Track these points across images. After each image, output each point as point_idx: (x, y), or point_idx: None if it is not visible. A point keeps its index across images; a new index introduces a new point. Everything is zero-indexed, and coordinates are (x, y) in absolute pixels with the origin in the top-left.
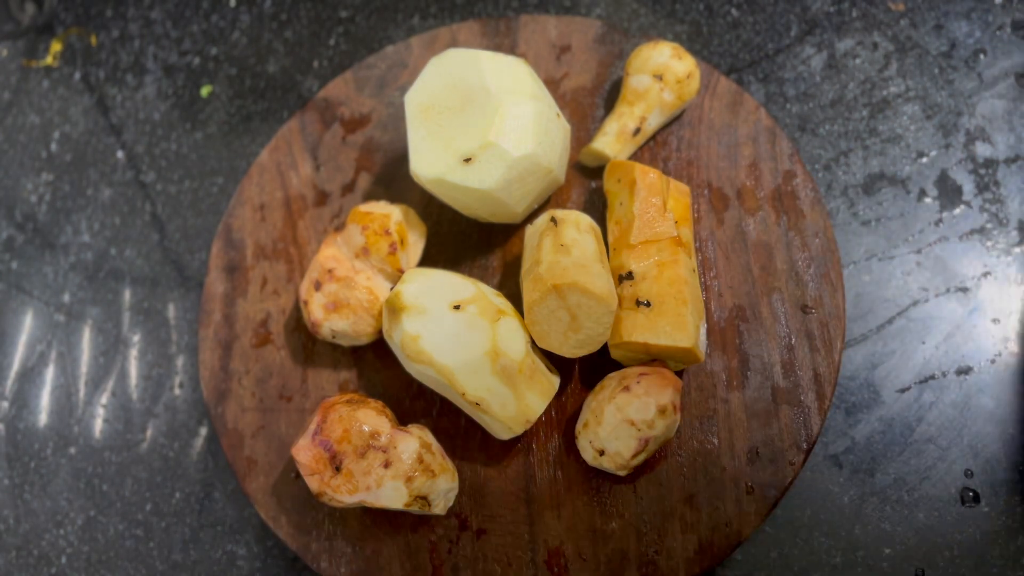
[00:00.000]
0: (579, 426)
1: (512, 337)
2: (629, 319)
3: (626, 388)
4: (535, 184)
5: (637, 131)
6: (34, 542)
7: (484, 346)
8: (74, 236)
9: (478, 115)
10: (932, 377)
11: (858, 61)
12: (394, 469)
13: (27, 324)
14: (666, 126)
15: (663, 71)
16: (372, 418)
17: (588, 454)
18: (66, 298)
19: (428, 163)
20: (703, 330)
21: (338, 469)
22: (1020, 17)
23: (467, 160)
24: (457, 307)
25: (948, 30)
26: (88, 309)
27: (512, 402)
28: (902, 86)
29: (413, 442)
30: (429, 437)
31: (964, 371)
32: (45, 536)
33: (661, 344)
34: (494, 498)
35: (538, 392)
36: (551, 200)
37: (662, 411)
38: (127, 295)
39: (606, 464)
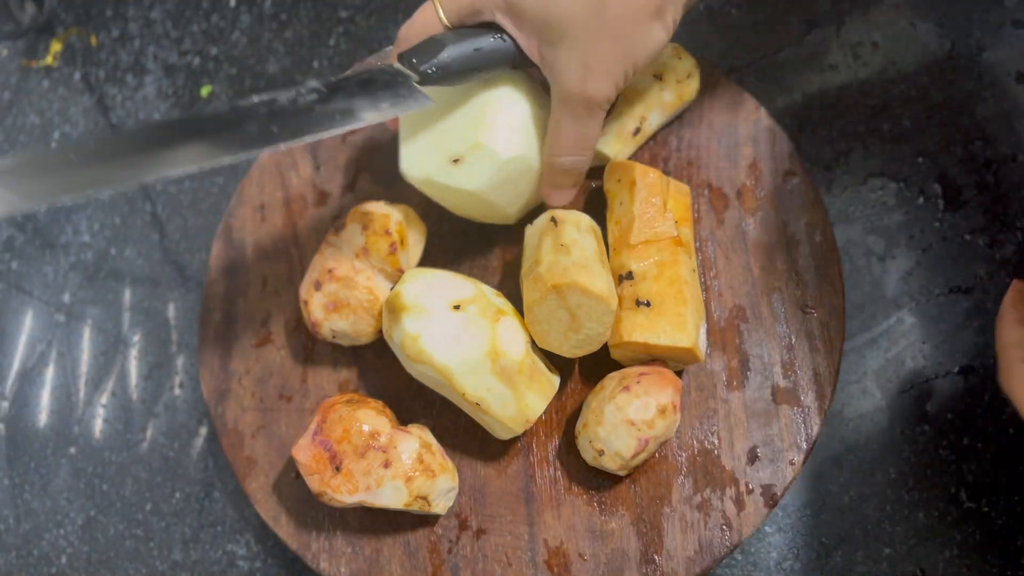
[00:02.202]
0: (579, 426)
1: (512, 337)
2: (629, 319)
3: (626, 388)
4: (527, 186)
5: (637, 131)
6: (34, 542)
7: (484, 346)
8: (74, 236)
9: (469, 116)
10: (932, 377)
11: (858, 61)
12: (394, 469)
13: (27, 324)
14: (666, 126)
15: (663, 71)
16: (372, 418)
17: (588, 454)
18: (66, 298)
19: (417, 163)
20: (703, 330)
21: (338, 469)
22: (1020, 17)
23: (456, 161)
24: (457, 307)
25: (948, 30)
26: (88, 309)
27: (512, 402)
28: (902, 86)
29: (413, 442)
30: (429, 437)
31: (964, 371)
32: (45, 536)
33: (661, 344)
34: (494, 498)
35: (538, 392)
36: None
37: (662, 411)
38: (127, 295)
39: (606, 464)
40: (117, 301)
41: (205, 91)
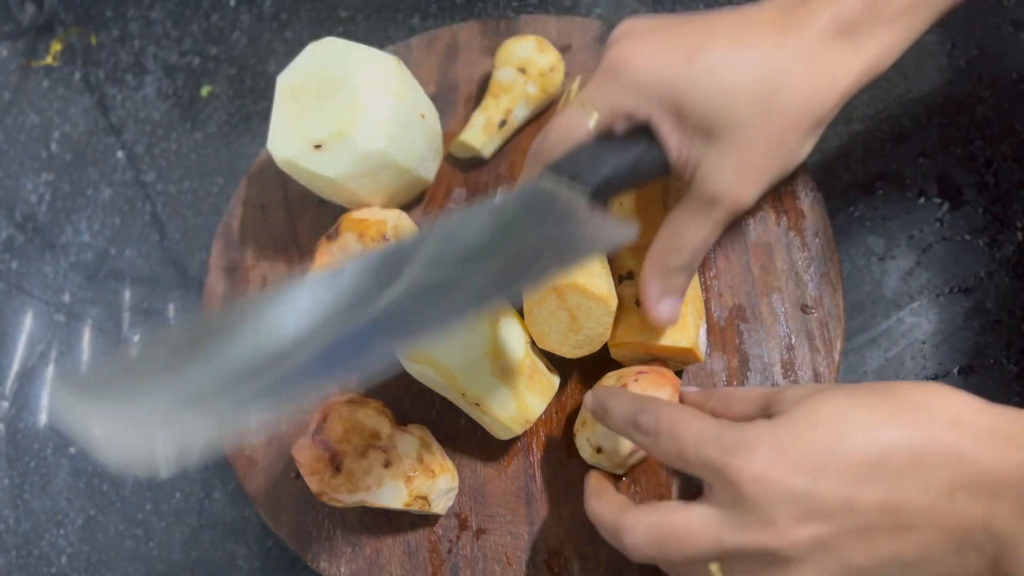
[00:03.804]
0: (577, 424)
1: (512, 337)
2: (629, 319)
3: (623, 386)
4: (390, 180)
5: (503, 123)
6: (34, 542)
7: (484, 346)
8: (74, 236)
9: (337, 105)
10: (932, 377)
11: None
12: (394, 469)
13: (27, 324)
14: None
15: (526, 64)
16: (372, 418)
17: (586, 452)
18: (66, 298)
19: (282, 144)
20: (703, 330)
21: (338, 469)
22: (1020, 18)
23: (317, 147)
24: None
25: (948, 30)
26: (88, 309)
27: (512, 402)
28: (902, 86)
29: (413, 442)
30: (429, 437)
31: (964, 371)
32: (45, 536)
33: (661, 344)
34: (494, 498)
35: (538, 392)
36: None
37: None
38: (127, 295)
39: (604, 462)
40: (117, 301)
41: (205, 91)
